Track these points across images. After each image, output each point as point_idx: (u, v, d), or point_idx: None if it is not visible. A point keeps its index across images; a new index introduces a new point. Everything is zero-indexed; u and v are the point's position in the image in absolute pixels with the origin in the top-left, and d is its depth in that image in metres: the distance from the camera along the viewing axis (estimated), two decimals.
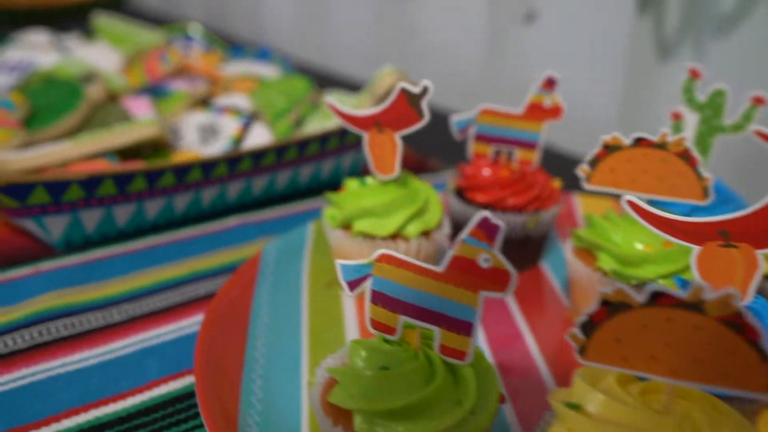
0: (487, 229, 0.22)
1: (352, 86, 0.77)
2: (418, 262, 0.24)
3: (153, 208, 0.43)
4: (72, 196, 0.40)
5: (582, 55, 0.61)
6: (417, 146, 0.59)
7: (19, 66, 0.65)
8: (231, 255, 0.42)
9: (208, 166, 0.43)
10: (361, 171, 0.53)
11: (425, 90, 0.32)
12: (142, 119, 0.46)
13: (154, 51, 0.68)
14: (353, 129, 0.36)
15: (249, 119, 0.52)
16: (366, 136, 0.36)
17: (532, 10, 0.65)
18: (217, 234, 0.45)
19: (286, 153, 0.46)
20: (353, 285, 0.25)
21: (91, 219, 0.41)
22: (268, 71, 0.67)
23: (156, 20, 1.03)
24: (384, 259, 0.25)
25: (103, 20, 0.73)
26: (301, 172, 0.49)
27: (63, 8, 0.70)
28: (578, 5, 0.60)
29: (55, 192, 0.39)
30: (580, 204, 0.49)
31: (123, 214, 0.42)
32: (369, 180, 0.38)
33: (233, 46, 0.73)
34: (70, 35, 0.69)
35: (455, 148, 0.50)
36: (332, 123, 0.54)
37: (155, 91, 0.58)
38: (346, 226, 0.36)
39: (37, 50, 0.66)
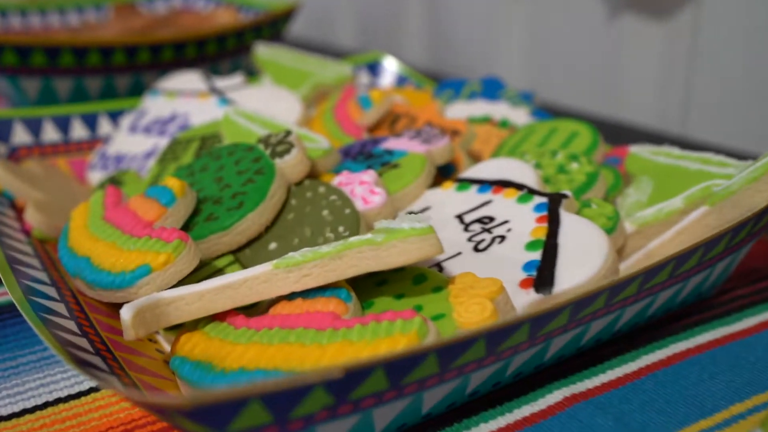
0: None
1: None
2: None
3: None
4: None
5: None
6: None
7: (169, 124, 0.46)
8: None
9: None
10: None
11: None
12: (406, 227, 0.25)
13: (344, 91, 0.48)
14: None
15: (547, 203, 0.31)
16: None
17: None
18: None
19: None
20: None
21: None
22: (516, 115, 0.45)
23: (317, 53, 0.84)
24: None
25: (266, 53, 0.55)
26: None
27: (216, 39, 0.51)
28: None
29: None
30: None
31: None
32: None
33: (445, 81, 0.52)
34: (227, 77, 0.50)
35: None
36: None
37: (370, 156, 0.37)
38: None
39: (190, 98, 0.48)
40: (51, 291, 0.29)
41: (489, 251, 0.30)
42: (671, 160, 0.35)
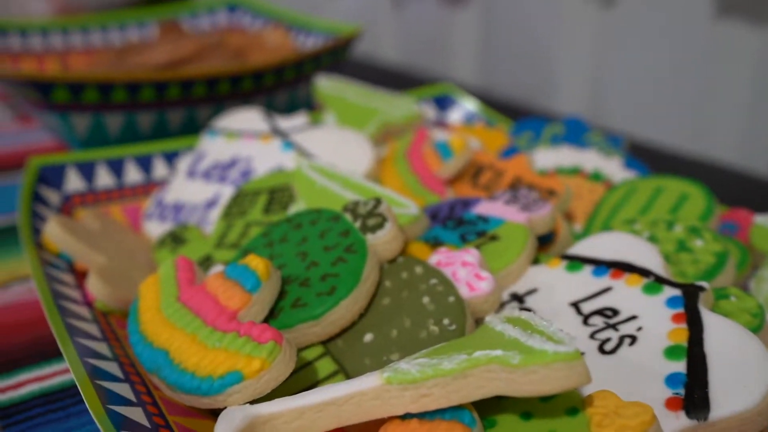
0: None
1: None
2: None
3: None
4: None
5: None
6: None
7: (230, 169, 0.43)
8: None
9: None
10: None
11: None
12: (549, 350, 0.21)
13: (415, 133, 0.45)
14: None
15: (681, 296, 0.27)
16: None
17: None
18: None
19: None
20: None
21: None
22: (608, 166, 0.42)
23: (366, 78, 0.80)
24: None
25: (328, 86, 0.51)
26: None
27: (274, 71, 0.48)
28: None
29: None
30: None
31: None
32: None
33: (523, 121, 0.48)
34: (290, 116, 0.47)
35: None
36: None
37: (461, 222, 0.34)
38: None
39: (252, 141, 0.45)
40: (126, 391, 0.26)
41: (618, 355, 0.26)
42: None
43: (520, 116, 0.61)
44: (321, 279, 0.29)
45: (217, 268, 0.32)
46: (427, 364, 0.23)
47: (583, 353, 0.27)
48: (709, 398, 0.23)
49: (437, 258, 0.30)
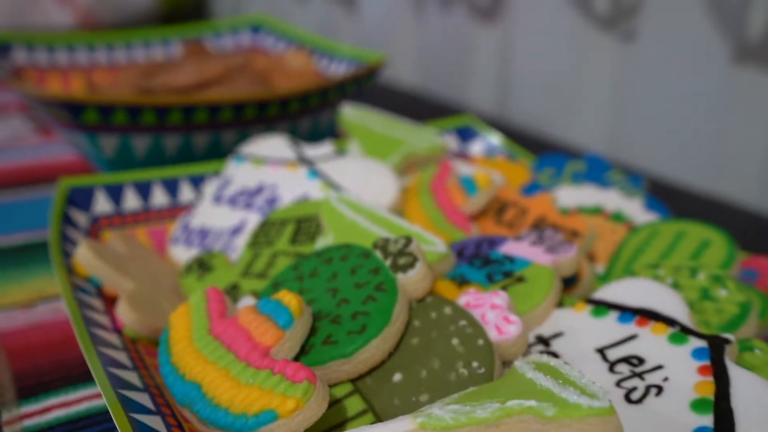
0: None
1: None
2: None
3: None
4: None
5: None
6: None
7: (256, 196, 0.44)
8: None
9: None
10: None
11: None
12: (584, 405, 0.22)
13: (440, 166, 0.45)
14: None
15: (707, 348, 0.27)
16: None
17: None
18: None
19: None
20: None
21: None
22: (630, 207, 0.42)
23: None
24: None
25: (353, 115, 0.52)
26: None
27: (299, 98, 0.49)
28: None
29: None
30: None
31: None
32: None
33: (545, 156, 0.49)
34: (316, 145, 0.47)
35: None
36: None
37: (488, 261, 0.34)
38: None
39: (278, 168, 0.45)
40: (158, 425, 0.27)
41: (645, 405, 0.26)
42: None
43: (536, 146, 0.61)
44: (352, 317, 0.29)
45: (248, 301, 0.33)
46: (461, 411, 0.24)
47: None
48: None
49: (466, 299, 0.31)
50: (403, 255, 0.31)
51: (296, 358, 0.29)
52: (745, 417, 0.25)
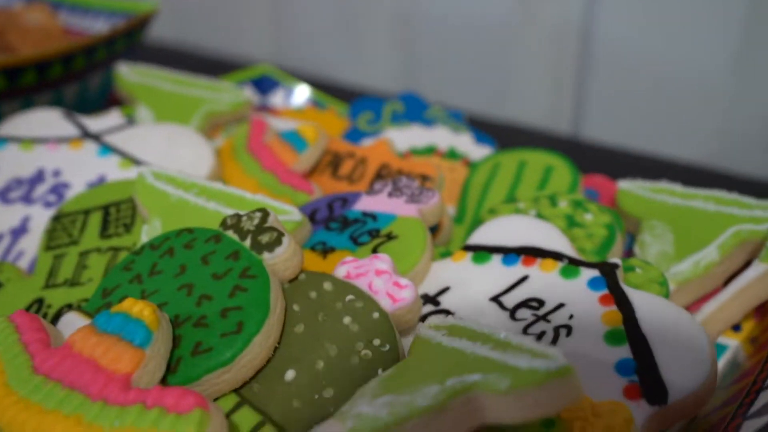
0: None
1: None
2: None
3: None
4: None
5: None
6: None
7: (37, 186, 0.35)
8: None
9: None
10: None
11: None
12: (540, 368, 0.19)
13: (251, 124, 0.40)
14: None
15: (601, 276, 0.26)
16: None
17: None
18: None
19: None
20: None
21: None
22: (461, 142, 0.41)
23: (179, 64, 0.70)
24: None
25: (132, 74, 0.44)
26: None
27: (62, 61, 0.41)
28: None
29: None
30: None
31: None
32: None
33: (359, 101, 0.46)
34: (99, 116, 0.39)
35: None
36: None
37: (347, 222, 0.31)
38: None
39: (58, 148, 0.37)
40: None
41: (559, 347, 0.25)
42: (679, 200, 0.33)
43: (334, 94, 0.58)
44: (221, 315, 0.24)
45: (74, 320, 0.26)
46: (397, 404, 0.20)
47: None
48: (664, 381, 0.23)
49: (345, 269, 0.27)
50: (264, 231, 0.26)
51: (163, 381, 0.23)
52: (658, 340, 0.24)
